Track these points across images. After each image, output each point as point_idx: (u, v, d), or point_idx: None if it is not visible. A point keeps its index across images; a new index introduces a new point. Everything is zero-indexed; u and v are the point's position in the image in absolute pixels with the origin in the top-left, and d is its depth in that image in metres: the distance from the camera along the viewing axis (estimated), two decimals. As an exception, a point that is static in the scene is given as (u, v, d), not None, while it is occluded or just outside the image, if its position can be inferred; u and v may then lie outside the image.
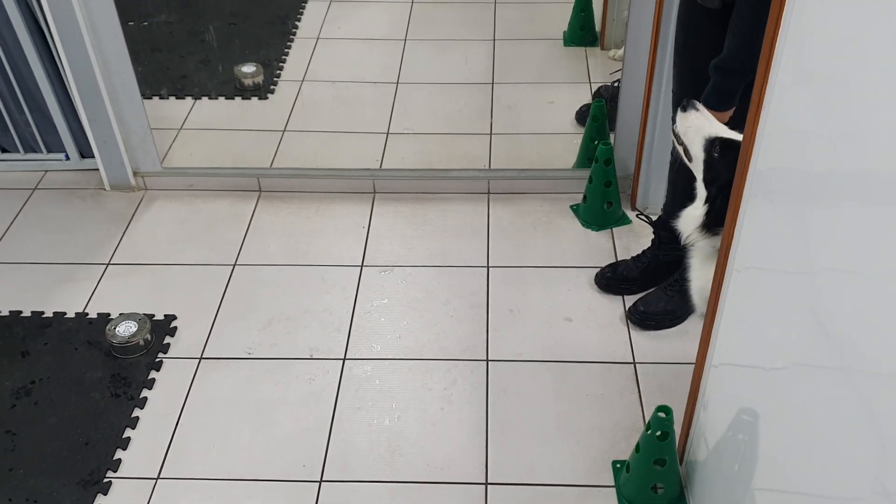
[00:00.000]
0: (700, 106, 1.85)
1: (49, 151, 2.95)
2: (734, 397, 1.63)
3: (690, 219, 1.81)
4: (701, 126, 1.83)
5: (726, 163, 1.74)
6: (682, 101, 2.01)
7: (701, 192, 1.81)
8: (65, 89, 2.75)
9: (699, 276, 1.87)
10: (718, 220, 1.72)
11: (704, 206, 1.78)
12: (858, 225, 1.06)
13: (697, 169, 1.82)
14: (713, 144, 1.79)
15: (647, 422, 2.07)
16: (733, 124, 1.98)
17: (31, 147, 2.95)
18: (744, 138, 1.44)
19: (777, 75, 1.31)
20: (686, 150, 1.86)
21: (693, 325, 2.31)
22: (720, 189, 1.74)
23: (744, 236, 1.51)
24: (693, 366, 1.82)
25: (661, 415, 1.74)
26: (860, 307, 1.07)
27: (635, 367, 2.24)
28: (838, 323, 1.14)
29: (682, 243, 1.86)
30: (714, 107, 1.92)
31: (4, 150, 2.97)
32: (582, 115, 3.12)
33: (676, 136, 1.89)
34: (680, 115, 1.88)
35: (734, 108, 1.97)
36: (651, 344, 2.30)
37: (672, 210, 2.16)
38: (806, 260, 1.25)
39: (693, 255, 1.89)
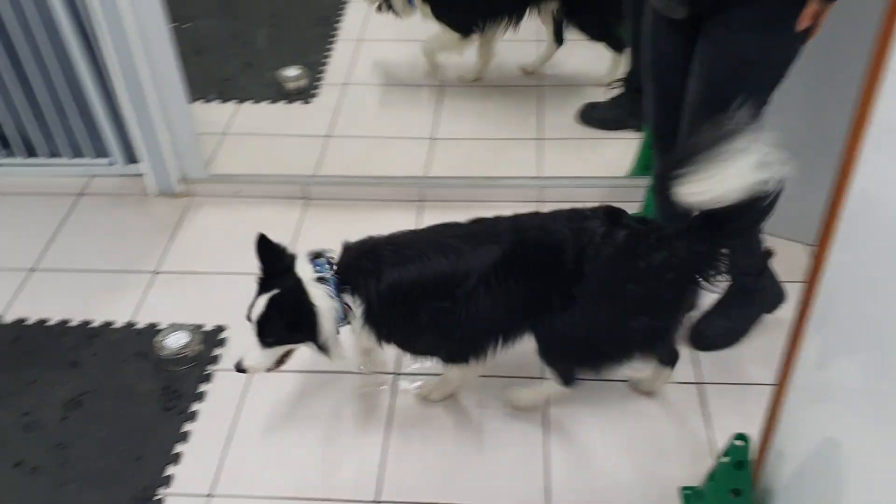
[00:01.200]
0: (243, 362, 1.87)
1: (94, 156, 2.92)
2: (818, 424, 1.54)
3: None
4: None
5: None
6: (659, 126, 2.06)
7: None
8: (109, 94, 2.72)
9: None
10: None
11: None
12: None
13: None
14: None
15: (717, 446, 1.99)
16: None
17: (76, 152, 2.93)
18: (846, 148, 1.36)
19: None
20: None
21: (762, 342, 2.22)
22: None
23: (835, 253, 1.42)
24: (762, 387, 1.74)
25: (739, 443, 1.66)
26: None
27: (700, 387, 2.15)
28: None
29: None
30: None
31: (52, 155, 2.94)
32: (585, 115, 3.07)
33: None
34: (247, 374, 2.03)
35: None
36: (715, 363, 2.21)
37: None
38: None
39: None
